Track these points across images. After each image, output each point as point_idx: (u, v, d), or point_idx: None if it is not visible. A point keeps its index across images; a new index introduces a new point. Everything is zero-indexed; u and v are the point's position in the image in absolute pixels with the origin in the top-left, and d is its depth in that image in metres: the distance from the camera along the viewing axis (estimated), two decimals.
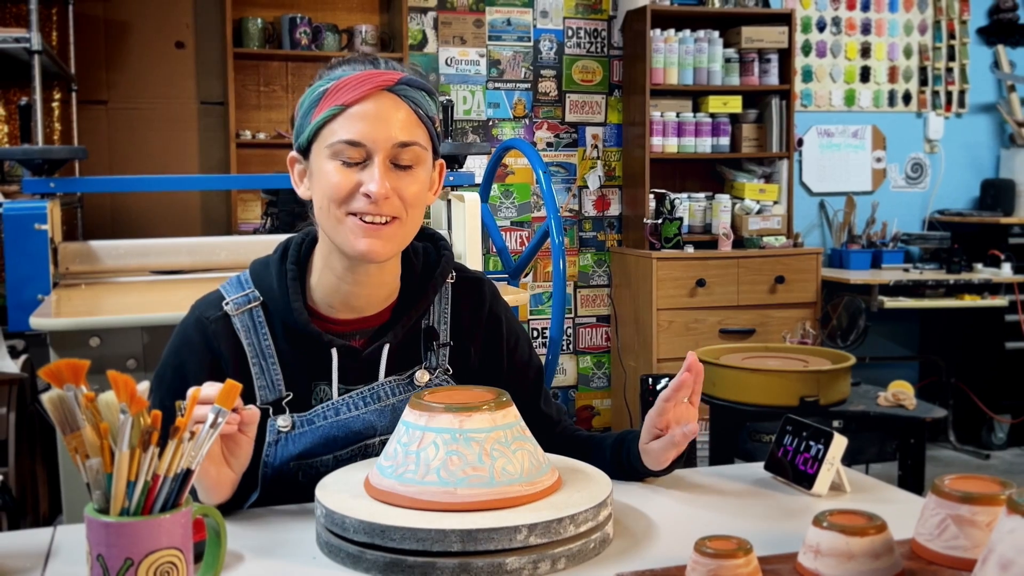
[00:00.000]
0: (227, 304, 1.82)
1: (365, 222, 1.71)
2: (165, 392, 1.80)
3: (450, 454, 1.48)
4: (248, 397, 1.75)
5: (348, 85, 1.70)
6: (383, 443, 1.74)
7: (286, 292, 1.80)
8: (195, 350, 1.81)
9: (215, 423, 1.28)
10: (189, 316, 1.85)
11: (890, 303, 6.11)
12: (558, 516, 1.43)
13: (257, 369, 1.79)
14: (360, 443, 1.80)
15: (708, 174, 6.64)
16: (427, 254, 1.94)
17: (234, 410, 1.52)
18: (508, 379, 1.93)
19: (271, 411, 1.78)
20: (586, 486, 1.57)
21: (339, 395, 1.80)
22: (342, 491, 1.56)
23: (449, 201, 4.30)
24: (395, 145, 1.71)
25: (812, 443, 1.82)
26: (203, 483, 1.61)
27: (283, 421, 1.77)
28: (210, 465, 1.59)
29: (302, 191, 1.82)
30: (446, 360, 1.89)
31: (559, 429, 2.01)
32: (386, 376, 1.83)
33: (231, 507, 1.73)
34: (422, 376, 1.85)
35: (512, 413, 1.55)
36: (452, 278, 1.95)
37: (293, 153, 1.80)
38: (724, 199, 6.30)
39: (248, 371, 1.79)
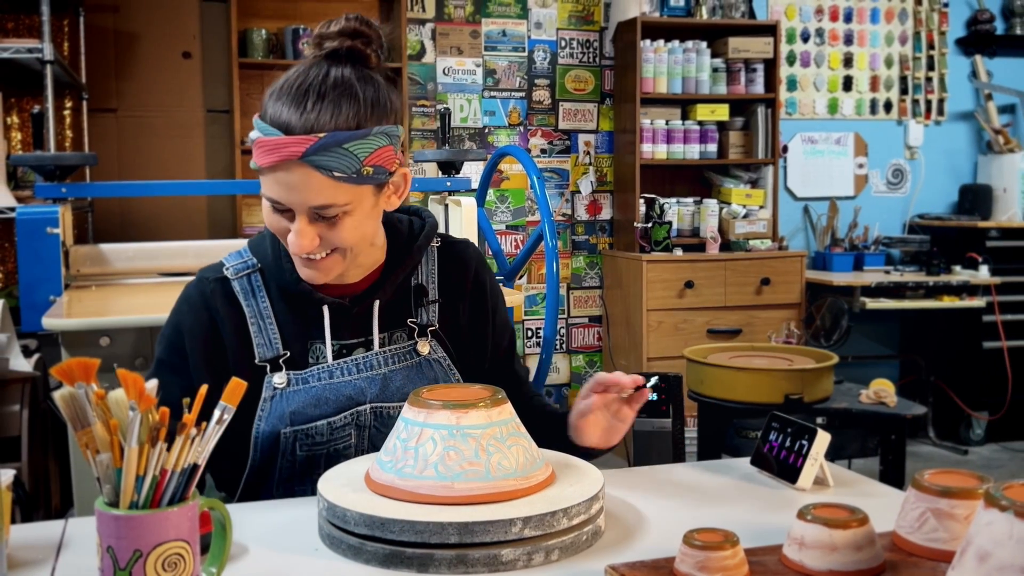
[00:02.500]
0: (227, 269, 1.86)
1: (300, 256, 1.74)
2: (163, 348, 1.86)
3: (447, 449, 1.49)
4: (247, 357, 1.80)
5: (262, 149, 1.64)
6: (374, 410, 1.81)
7: (279, 257, 1.83)
8: (193, 307, 1.84)
9: (221, 419, 1.28)
10: (192, 280, 1.90)
11: (872, 304, 6.11)
12: (552, 509, 1.43)
13: (255, 328, 1.81)
14: (351, 408, 1.80)
15: (696, 180, 6.65)
16: (412, 223, 1.95)
17: None
18: (493, 339, 1.99)
19: (268, 368, 1.79)
20: (578, 480, 1.57)
21: (333, 352, 1.82)
22: (343, 485, 1.56)
23: (447, 205, 4.31)
24: (312, 208, 1.67)
25: (797, 439, 1.82)
26: None
27: (279, 378, 1.79)
28: None
29: None
30: (435, 317, 1.91)
31: (524, 389, 2.04)
32: (380, 332, 1.85)
33: (230, 482, 1.75)
34: (423, 347, 1.87)
35: (507, 410, 1.55)
36: (438, 242, 1.98)
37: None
38: (712, 204, 6.31)
39: (247, 332, 1.82)
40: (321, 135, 1.62)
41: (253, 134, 1.68)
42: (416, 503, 1.46)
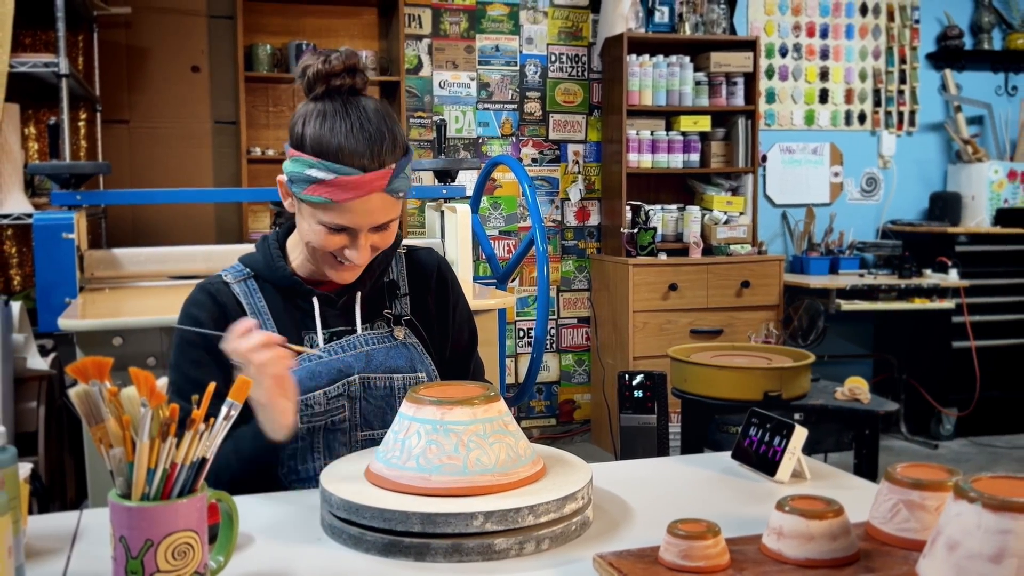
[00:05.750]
0: (226, 276, 1.98)
1: (344, 263, 1.87)
2: (177, 353, 1.92)
3: (430, 443, 1.50)
4: None
5: (341, 186, 1.76)
6: (362, 381, 1.92)
7: (270, 258, 1.97)
8: (204, 305, 1.94)
9: (228, 416, 1.28)
10: (192, 290, 1.99)
11: (847, 306, 6.12)
12: (516, 506, 1.43)
13: (256, 323, 1.86)
14: (342, 379, 1.90)
15: (680, 187, 6.64)
16: None
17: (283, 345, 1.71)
18: (453, 330, 2.12)
19: None
20: (565, 477, 1.57)
21: (324, 339, 1.94)
22: (343, 473, 1.59)
23: (442, 212, 4.31)
24: (377, 224, 1.84)
25: (775, 434, 1.82)
26: (274, 417, 1.71)
27: None
28: (278, 399, 1.70)
29: (287, 205, 1.92)
30: (408, 309, 2.05)
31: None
32: (362, 323, 1.98)
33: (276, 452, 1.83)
34: (399, 332, 1.99)
35: (495, 409, 1.55)
36: (404, 250, 2.12)
37: (283, 179, 1.88)
38: (694, 210, 6.31)
39: None
40: (392, 167, 1.79)
41: (314, 174, 1.77)
42: (395, 492, 1.48)
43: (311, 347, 1.93)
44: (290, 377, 1.72)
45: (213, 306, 1.93)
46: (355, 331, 1.96)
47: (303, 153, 1.80)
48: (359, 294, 1.98)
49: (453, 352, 2.11)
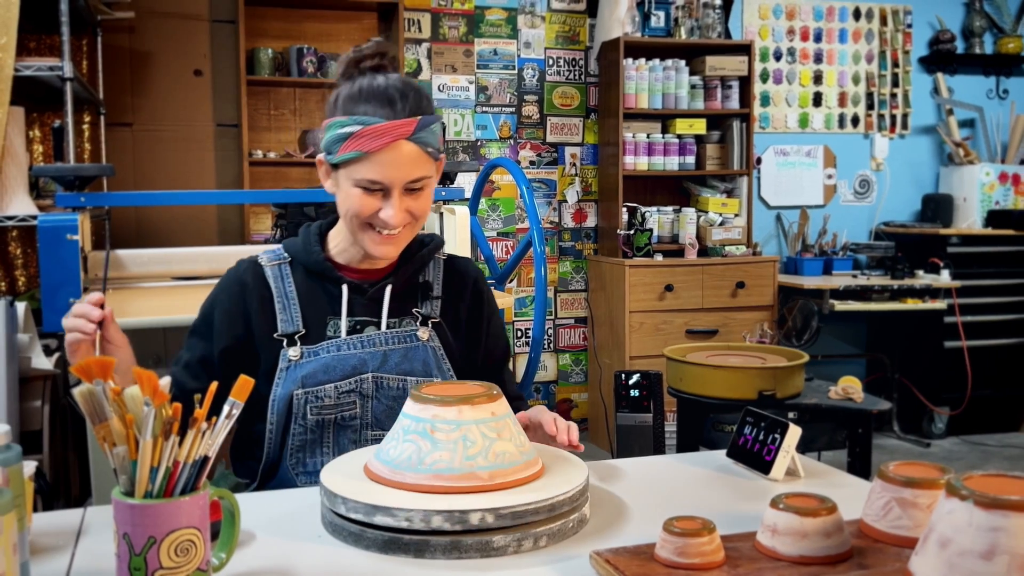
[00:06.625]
0: (261, 258, 2.04)
1: (382, 234, 1.89)
2: (198, 318, 2.03)
3: (430, 441, 1.50)
4: (270, 330, 1.96)
5: (369, 136, 1.82)
6: (375, 380, 1.93)
7: (308, 243, 2.02)
8: (225, 285, 2.03)
9: (230, 414, 1.28)
10: (230, 269, 2.07)
11: (840, 306, 6.12)
12: (515, 503, 1.43)
13: (280, 307, 1.97)
14: (355, 376, 1.92)
15: (675, 189, 6.65)
16: (423, 238, 2.11)
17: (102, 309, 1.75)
18: (486, 344, 2.14)
19: (285, 343, 1.94)
20: (562, 475, 1.57)
21: (348, 328, 1.96)
22: (343, 470, 1.59)
23: (441, 214, 4.31)
24: (408, 182, 1.86)
25: (770, 433, 1.82)
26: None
27: (294, 352, 1.93)
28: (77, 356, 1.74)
29: (327, 186, 1.97)
30: (437, 311, 2.05)
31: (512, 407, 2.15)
32: (389, 316, 1.99)
33: (251, 469, 1.93)
34: (423, 333, 2.00)
35: (493, 408, 1.55)
36: (444, 255, 2.14)
37: (321, 157, 1.93)
38: (690, 212, 6.31)
39: (272, 308, 1.97)
40: (418, 118, 1.84)
41: (346, 130, 1.84)
42: (395, 489, 1.48)
43: (334, 334, 1.95)
44: (80, 346, 1.74)
45: (234, 284, 2.00)
46: (380, 326, 1.98)
47: (335, 117, 1.88)
48: (389, 287, 2.00)
49: (485, 366, 2.13)
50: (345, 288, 1.97)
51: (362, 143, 1.82)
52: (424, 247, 2.08)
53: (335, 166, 1.89)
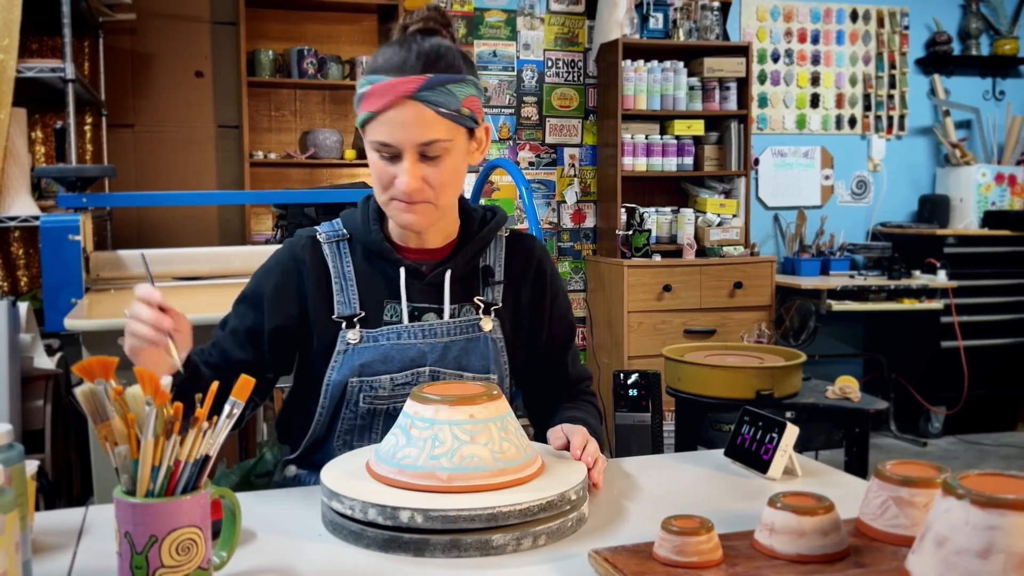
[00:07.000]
0: (320, 234, 1.95)
1: (404, 202, 1.80)
2: (249, 286, 1.96)
3: (430, 440, 1.50)
4: (326, 311, 1.89)
5: (375, 94, 1.75)
6: (432, 373, 1.87)
7: (367, 221, 1.93)
8: (280, 260, 1.95)
9: (231, 414, 1.28)
10: (286, 242, 1.99)
11: (837, 306, 6.12)
12: (514, 502, 1.43)
13: (338, 287, 1.89)
14: (413, 368, 1.86)
15: (674, 190, 6.65)
16: (485, 214, 2.02)
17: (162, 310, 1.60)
18: (549, 325, 2.05)
19: (344, 325, 1.87)
20: (562, 474, 1.57)
21: (408, 313, 1.88)
22: (344, 469, 1.59)
23: None
24: (419, 144, 1.76)
25: (767, 432, 1.82)
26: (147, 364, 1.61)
27: (353, 335, 1.86)
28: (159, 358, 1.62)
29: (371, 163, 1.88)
30: (499, 297, 1.97)
31: (574, 386, 2.11)
32: (450, 303, 1.91)
33: (298, 435, 1.91)
34: (486, 323, 1.92)
35: (497, 407, 1.55)
36: (506, 232, 2.05)
37: (359, 127, 1.85)
38: (688, 213, 6.30)
39: (329, 288, 1.90)
40: (428, 76, 1.74)
41: (361, 91, 1.79)
42: (395, 488, 1.48)
43: (391, 318, 1.88)
44: (142, 352, 1.61)
45: (289, 261, 1.93)
46: (441, 313, 1.90)
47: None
48: (449, 273, 1.91)
49: (549, 347, 2.05)
50: (403, 271, 1.89)
51: (370, 103, 1.76)
52: (485, 225, 1.99)
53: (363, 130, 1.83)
